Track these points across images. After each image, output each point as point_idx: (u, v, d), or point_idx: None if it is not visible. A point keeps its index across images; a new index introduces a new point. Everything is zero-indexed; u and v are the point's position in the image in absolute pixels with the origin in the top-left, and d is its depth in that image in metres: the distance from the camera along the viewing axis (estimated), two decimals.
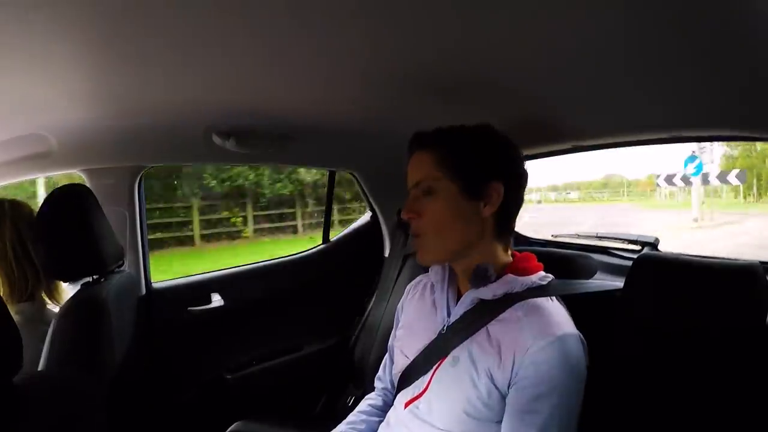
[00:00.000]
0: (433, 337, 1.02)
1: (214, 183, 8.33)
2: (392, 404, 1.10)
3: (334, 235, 2.30)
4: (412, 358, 1.05)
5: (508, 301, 0.95)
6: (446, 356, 0.98)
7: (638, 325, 1.09)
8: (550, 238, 1.98)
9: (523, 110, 1.33)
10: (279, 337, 2.01)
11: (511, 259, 1.03)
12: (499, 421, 0.91)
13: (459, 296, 1.03)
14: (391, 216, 2.06)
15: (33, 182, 2.75)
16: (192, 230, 8.49)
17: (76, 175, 1.62)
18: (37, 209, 1.15)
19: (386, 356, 1.22)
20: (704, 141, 1.35)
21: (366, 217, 2.27)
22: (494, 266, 0.98)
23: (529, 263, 1.02)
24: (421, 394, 1.00)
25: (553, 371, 0.86)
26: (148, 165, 1.71)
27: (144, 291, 1.74)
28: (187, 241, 8.40)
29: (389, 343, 1.20)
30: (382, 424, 1.10)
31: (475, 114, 1.03)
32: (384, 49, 0.96)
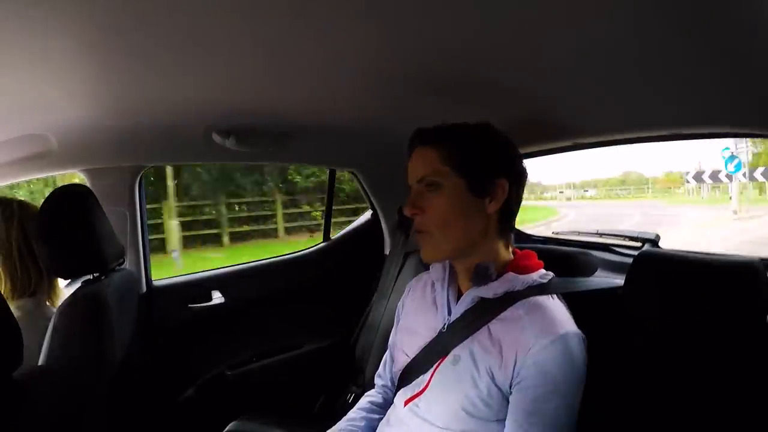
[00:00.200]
0: (434, 335, 1.02)
1: (299, 178, 8.44)
2: (392, 402, 1.10)
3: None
4: (412, 357, 1.05)
5: (509, 299, 0.95)
6: (447, 355, 0.97)
7: (639, 322, 1.08)
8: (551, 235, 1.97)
9: (524, 108, 1.33)
10: (279, 335, 2.01)
11: (512, 256, 1.02)
12: (499, 420, 0.91)
13: (459, 295, 1.03)
14: (391, 214, 2.06)
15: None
16: (276, 223, 8.69)
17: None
18: None
19: (386, 354, 1.22)
20: (705, 138, 1.33)
21: (366, 215, 2.27)
22: (495, 264, 0.98)
23: (530, 261, 1.02)
24: (421, 393, 1.00)
25: (555, 370, 0.86)
26: (148, 165, 1.71)
27: (144, 289, 1.75)
28: (271, 233, 8.60)
29: (390, 341, 1.20)
30: (382, 421, 1.10)
31: (476, 112, 1.03)
32: (384, 48, 0.96)
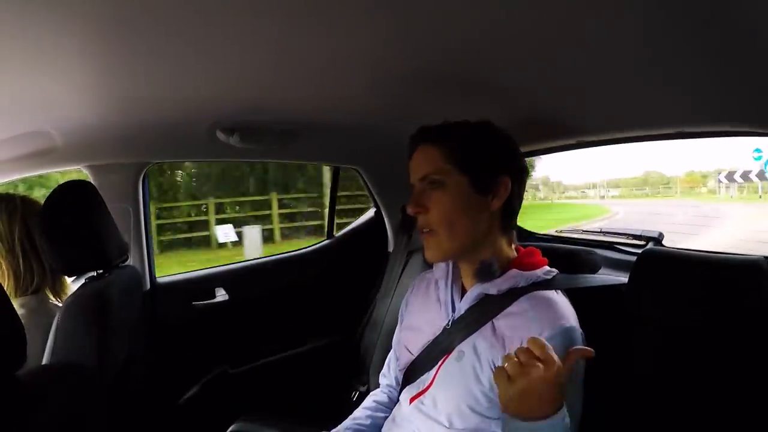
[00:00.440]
0: (438, 333, 1.02)
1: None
2: (397, 400, 1.10)
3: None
4: (416, 354, 1.05)
5: (512, 296, 0.95)
6: (451, 351, 0.98)
7: (642, 320, 1.09)
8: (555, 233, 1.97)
9: (528, 107, 1.32)
10: (283, 333, 2.01)
11: (515, 254, 1.03)
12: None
13: (463, 292, 1.03)
14: (395, 212, 2.06)
15: None
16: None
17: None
18: None
19: (391, 353, 1.22)
20: (710, 137, 1.33)
21: (370, 213, 2.27)
22: (499, 261, 0.98)
23: (534, 258, 1.03)
24: (425, 390, 1.00)
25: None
26: (152, 161, 1.72)
27: (148, 286, 1.75)
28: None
29: (393, 339, 1.20)
30: (387, 420, 1.10)
31: (480, 110, 1.03)
32: (390, 47, 0.96)
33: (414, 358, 1.05)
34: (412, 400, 1.02)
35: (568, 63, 1.01)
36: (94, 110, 1.27)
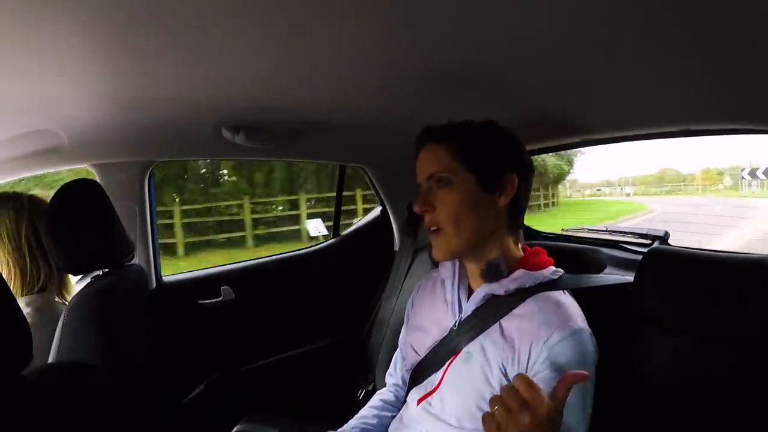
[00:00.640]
0: (445, 333, 1.02)
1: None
2: (404, 400, 1.10)
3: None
4: (423, 355, 1.04)
5: (519, 296, 0.95)
6: (458, 352, 0.97)
7: (648, 319, 1.08)
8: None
9: (533, 105, 1.32)
10: (288, 331, 2.01)
11: (522, 253, 1.02)
12: None
13: (470, 292, 1.03)
14: (401, 210, 2.06)
15: None
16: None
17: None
18: None
19: (397, 352, 1.22)
20: (714, 134, 1.32)
21: (376, 211, 2.27)
22: (506, 261, 0.98)
23: (540, 258, 1.02)
24: (433, 391, 1.00)
25: (569, 365, 0.86)
26: (158, 160, 1.71)
27: (154, 284, 1.75)
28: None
29: (400, 339, 1.20)
30: (395, 420, 1.10)
31: (486, 110, 1.04)
32: (397, 46, 0.96)
33: (421, 358, 1.05)
34: (419, 401, 1.02)
35: (574, 62, 1.01)
36: (101, 109, 1.27)
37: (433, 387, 1.00)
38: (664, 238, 1.54)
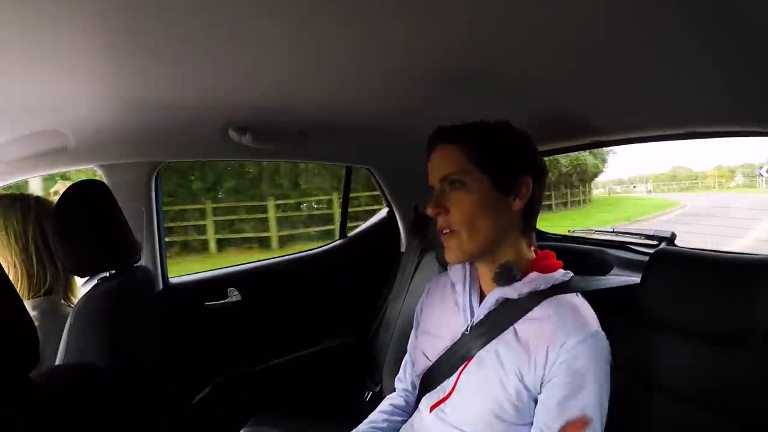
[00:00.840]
0: (456, 338, 1.00)
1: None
2: (414, 405, 1.09)
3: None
4: (434, 360, 1.03)
5: (533, 299, 0.94)
6: (471, 358, 0.96)
7: (655, 320, 1.08)
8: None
9: (543, 107, 1.32)
10: (295, 333, 2.01)
11: (534, 256, 1.01)
12: (527, 424, 0.89)
13: (482, 296, 1.01)
14: (408, 212, 2.05)
15: None
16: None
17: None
18: None
19: (406, 357, 1.21)
20: (720, 137, 1.33)
21: (383, 212, 2.26)
22: (518, 264, 0.97)
23: (550, 260, 1.01)
24: (446, 398, 0.98)
25: (585, 369, 0.85)
26: (164, 161, 1.71)
27: (161, 286, 1.75)
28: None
29: (409, 344, 1.19)
30: (405, 425, 1.09)
31: (494, 111, 1.03)
32: (404, 48, 0.96)
33: (431, 364, 1.03)
34: (432, 408, 1.00)
35: (583, 64, 1.00)
36: (108, 110, 1.27)
37: (446, 394, 0.98)
38: (671, 239, 1.53)
